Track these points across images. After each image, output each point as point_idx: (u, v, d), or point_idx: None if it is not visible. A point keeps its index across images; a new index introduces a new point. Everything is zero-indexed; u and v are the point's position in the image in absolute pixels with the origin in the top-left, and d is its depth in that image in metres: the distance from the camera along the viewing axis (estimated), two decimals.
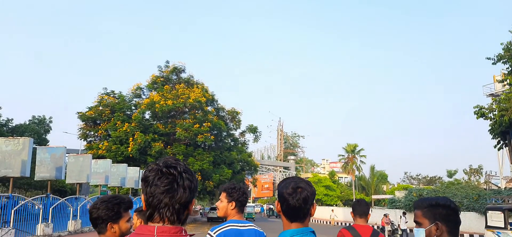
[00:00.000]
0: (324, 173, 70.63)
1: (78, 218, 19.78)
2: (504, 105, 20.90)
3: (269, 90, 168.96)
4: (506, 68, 22.34)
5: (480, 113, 21.54)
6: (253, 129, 40.14)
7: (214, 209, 36.13)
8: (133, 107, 35.63)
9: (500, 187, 33.25)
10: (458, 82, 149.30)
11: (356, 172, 51.52)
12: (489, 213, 14.13)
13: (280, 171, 71.17)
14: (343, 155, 51.70)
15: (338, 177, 65.50)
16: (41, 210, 16.58)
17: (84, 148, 35.42)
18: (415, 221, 1.96)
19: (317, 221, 39.10)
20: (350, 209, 4.00)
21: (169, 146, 33.03)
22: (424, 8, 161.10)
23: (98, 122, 33.55)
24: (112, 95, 34.77)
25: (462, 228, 24.90)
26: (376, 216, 28.05)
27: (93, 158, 24.70)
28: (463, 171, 58.05)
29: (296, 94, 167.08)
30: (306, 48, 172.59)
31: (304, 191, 1.76)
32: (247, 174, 42.26)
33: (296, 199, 1.73)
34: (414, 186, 57.00)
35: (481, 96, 35.08)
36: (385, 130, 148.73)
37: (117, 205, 2.27)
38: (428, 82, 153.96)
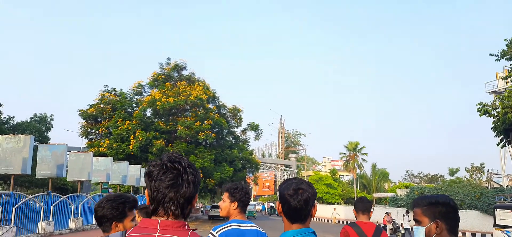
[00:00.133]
0: (325, 171, 70.52)
1: (79, 216, 19.76)
2: (508, 102, 20.77)
3: (271, 87, 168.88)
4: (510, 65, 22.20)
5: (483, 110, 21.39)
6: (254, 127, 40.08)
7: (215, 207, 36.09)
8: (134, 105, 35.60)
9: (501, 186, 33.11)
10: (460, 79, 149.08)
11: (358, 170, 51.48)
12: (498, 211, 14.00)
13: (282, 169, 71.12)
14: (344, 153, 51.66)
15: (340, 175, 65.44)
16: (42, 208, 16.55)
17: (85, 145, 35.42)
18: (414, 219, 1.97)
19: (319, 219, 39.04)
20: (352, 208, 3.97)
21: (170, 144, 32.99)
22: (427, 6, 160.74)
23: (99, 119, 33.55)
24: (113, 93, 34.75)
25: (464, 226, 24.81)
26: (377, 214, 27.95)
27: (94, 156, 24.68)
28: (465, 169, 57.92)
29: (297, 91, 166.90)
30: (308, 45, 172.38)
31: (305, 192, 1.76)
32: (248, 172, 42.23)
33: (297, 200, 1.74)
34: (415, 184, 56.89)
35: (484, 93, 35.00)
36: (386, 128, 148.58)
37: (122, 204, 2.28)
38: (430, 79, 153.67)
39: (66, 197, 19.16)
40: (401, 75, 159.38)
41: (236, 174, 36.01)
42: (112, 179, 25.68)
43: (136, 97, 37.01)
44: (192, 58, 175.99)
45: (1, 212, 13.83)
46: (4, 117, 31.71)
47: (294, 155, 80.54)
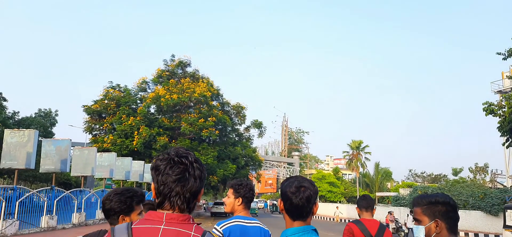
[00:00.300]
0: (328, 170, 70.46)
1: (82, 210, 19.82)
2: None
3: (275, 85, 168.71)
4: None
5: (489, 109, 21.21)
6: (258, 125, 40.04)
7: (218, 204, 36.12)
8: (138, 101, 35.67)
9: (505, 186, 32.93)
10: (465, 79, 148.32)
11: (361, 169, 51.35)
12: (508, 212, 13.80)
13: (284, 167, 71.06)
14: (347, 152, 51.55)
15: (342, 174, 65.33)
16: (45, 203, 16.61)
17: (89, 141, 35.51)
18: (414, 218, 1.98)
19: (322, 218, 39.00)
20: (354, 206, 3.99)
21: (173, 140, 33.04)
22: (431, 4, 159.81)
23: (103, 115, 33.63)
24: (117, 89, 34.82)
25: (467, 226, 24.70)
26: (380, 213, 27.87)
27: (98, 151, 24.73)
28: (469, 169, 57.70)
29: (301, 90, 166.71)
30: (313, 44, 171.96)
31: (307, 190, 1.78)
32: (251, 169, 42.20)
33: (299, 198, 1.76)
34: (418, 184, 56.72)
35: (489, 93, 34.76)
36: (390, 127, 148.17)
37: (130, 198, 2.30)
38: (434, 79, 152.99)
39: (70, 192, 19.22)
40: (405, 74, 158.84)
41: (239, 171, 36.01)
42: (115, 175, 25.73)
43: (140, 93, 37.09)
44: (197, 55, 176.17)
45: (5, 206, 13.87)
46: (9, 112, 31.82)
47: (297, 153, 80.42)
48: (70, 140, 19.09)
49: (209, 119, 32.78)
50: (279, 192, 1.92)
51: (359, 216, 3.90)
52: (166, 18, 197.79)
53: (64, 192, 18.54)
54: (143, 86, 37.41)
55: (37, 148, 16.23)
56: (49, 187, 17.89)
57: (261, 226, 2.81)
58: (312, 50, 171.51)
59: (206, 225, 23.23)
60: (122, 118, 31.73)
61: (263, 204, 55.83)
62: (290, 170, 69.17)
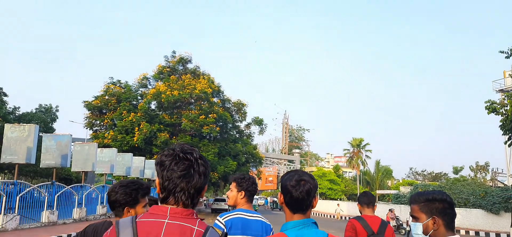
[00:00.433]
0: (329, 168, 70.44)
1: (83, 206, 19.82)
2: None
3: (276, 82, 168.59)
4: None
5: (492, 108, 21.13)
6: (258, 122, 40.03)
7: (219, 200, 36.16)
8: (139, 97, 35.66)
9: (506, 185, 32.88)
10: (466, 77, 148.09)
11: (361, 167, 51.32)
12: None
13: (285, 164, 71.10)
14: (348, 150, 51.51)
15: (343, 172, 65.34)
16: (46, 198, 16.59)
17: (90, 137, 35.51)
18: (411, 216, 2.01)
19: (323, 215, 39.01)
20: (355, 204, 4.01)
21: (174, 137, 33.04)
22: (433, 2, 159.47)
23: (104, 111, 33.62)
24: (118, 85, 34.80)
25: (468, 225, 24.70)
26: (380, 211, 27.86)
27: (99, 147, 24.72)
28: (470, 168, 57.70)
29: (302, 87, 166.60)
30: (313, 41, 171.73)
31: (307, 183, 1.80)
32: (251, 166, 42.22)
33: (300, 191, 1.78)
34: (419, 182, 56.73)
35: (491, 92, 34.65)
36: (390, 125, 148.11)
37: (135, 190, 2.33)
38: (435, 77, 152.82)
39: (70, 187, 19.20)
40: (406, 72, 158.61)
41: (240, 168, 36.03)
42: (116, 171, 25.74)
43: (141, 89, 37.07)
44: (197, 52, 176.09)
45: (5, 201, 13.86)
46: (10, 107, 31.79)
47: (297, 150, 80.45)
48: (71, 135, 19.06)
49: (210, 115, 32.76)
50: (280, 189, 1.92)
51: (361, 213, 3.94)
52: (166, 14, 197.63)
53: (65, 187, 18.52)
54: (144, 82, 37.41)
55: (37, 143, 16.21)
56: (49, 182, 17.88)
57: (263, 220, 2.84)
58: (313, 47, 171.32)
59: (206, 221, 23.18)
60: (123, 114, 31.73)
61: (263, 201, 55.89)
62: (290, 168, 69.17)
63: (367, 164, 51.71)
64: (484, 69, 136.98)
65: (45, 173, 36.55)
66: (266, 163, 66.79)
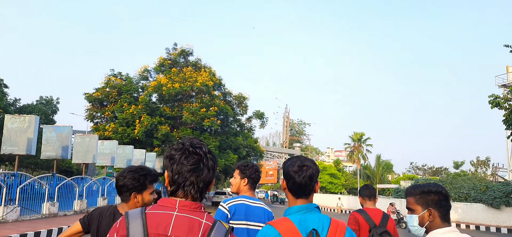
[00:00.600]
0: (329, 162, 70.51)
1: (84, 198, 19.82)
2: None
3: (277, 77, 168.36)
4: None
5: (495, 102, 21.01)
6: (260, 115, 39.94)
7: (219, 193, 36.23)
8: (140, 90, 35.55)
9: (507, 180, 32.88)
10: (468, 73, 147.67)
11: (362, 161, 51.33)
12: None
13: (285, 158, 70.88)
14: (349, 144, 51.50)
15: (343, 166, 65.41)
16: (47, 189, 16.58)
17: (90, 129, 35.47)
18: (407, 208, 2.04)
19: (324, 209, 39.01)
20: (355, 198, 4.05)
21: (175, 130, 32.98)
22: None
23: (105, 103, 33.54)
24: (119, 77, 34.68)
25: (468, 219, 24.72)
26: (381, 205, 27.87)
27: (99, 139, 24.69)
28: (470, 162, 57.70)
29: (303, 81, 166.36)
30: (315, 35, 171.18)
31: (309, 168, 1.82)
32: (252, 159, 42.16)
33: (302, 177, 1.80)
34: (419, 176, 56.78)
35: (493, 87, 34.50)
36: (391, 119, 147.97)
37: (143, 176, 2.35)
38: (436, 72, 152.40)
39: (71, 179, 19.20)
40: (407, 67, 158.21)
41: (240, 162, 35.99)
42: (117, 163, 25.72)
43: (142, 82, 36.93)
44: (199, 44, 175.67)
45: (6, 192, 13.85)
46: (10, 99, 31.78)
47: (298, 144, 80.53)
48: (71, 126, 19.02)
49: (211, 108, 32.69)
50: (280, 183, 1.92)
51: (362, 206, 4.00)
52: (167, 8, 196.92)
53: (66, 179, 18.50)
54: (145, 74, 37.26)
55: (38, 135, 16.17)
56: (50, 174, 17.86)
57: (265, 207, 2.92)
58: (314, 41, 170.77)
59: None
60: (124, 106, 31.66)
61: (264, 195, 55.97)
62: None
63: (367, 158, 51.75)
64: (486, 64, 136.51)
65: (46, 165, 36.61)
66: (267, 157, 66.86)
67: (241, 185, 2.97)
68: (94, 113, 33.33)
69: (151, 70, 37.42)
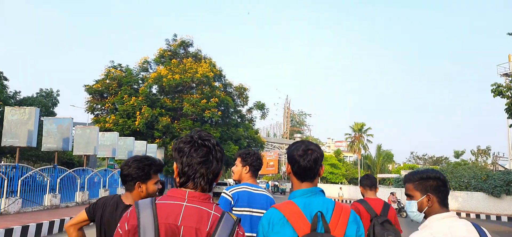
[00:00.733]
0: (329, 152, 70.59)
1: (85, 189, 19.89)
2: None
3: (278, 67, 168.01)
4: None
5: (498, 91, 20.93)
6: (260, 106, 39.90)
7: (220, 184, 36.30)
8: (140, 81, 35.47)
9: (507, 168, 32.94)
10: (469, 62, 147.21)
11: (362, 151, 51.38)
12: None
13: (286, 149, 71.14)
14: (349, 134, 51.52)
15: (344, 156, 65.49)
16: (48, 181, 16.62)
17: (91, 121, 35.45)
18: (406, 194, 2.06)
19: None
20: (356, 188, 4.09)
21: (176, 121, 32.98)
22: None
23: (105, 95, 33.49)
24: (119, 69, 34.58)
25: (469, 207, 24.79)
26: (381, 194, 27.96)
27: (100, 131, 24.68)
28: (471, 152, 57.75)
29: (304, 72, 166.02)
30: (315, 26, 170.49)
31: (314, 152, 1.83)
32: None
33: (307, 160, 1.81)
34: (420, 166, 56.89)
35: (494, 76, 34.39)
36: (392, 109, 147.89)
37: (148, 166, 2.36)
38: (437, 61, 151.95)
39: (72, 171, 19.24)
40: (408, 56, 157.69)
41: None
42: (118, 155, 25.74)
43: (142, 73, 36.86)
44: (199, 35, 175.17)
45: (7, 184, 13.87)
46: (10, 91, 31.73)
47: (299, 135, 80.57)
48: (72, 118, 19.00)
49: (211, 100, 32.65)
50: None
51: (363, 195, 4.03)
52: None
53: (67, 171, 18.54)
54: (145, 66, 37.16)
55: (38, 127, 16.16)
56: (51, 166, 17.89)
57: (267, 194, 2.96)
58: (314, 32, 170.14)
59: None
60: (124, 98, 31.61)
61: (265, 185, 56.14)
62: None
63: (368, 148, 51.81)
64: (488, 53, 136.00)
65: (47, 157, 36.65)
66: (268, 148, 66.90)
67: (243, 173, 3.02)
68: (94, 105, 33.30)
69: (151, 62, 37.33)
